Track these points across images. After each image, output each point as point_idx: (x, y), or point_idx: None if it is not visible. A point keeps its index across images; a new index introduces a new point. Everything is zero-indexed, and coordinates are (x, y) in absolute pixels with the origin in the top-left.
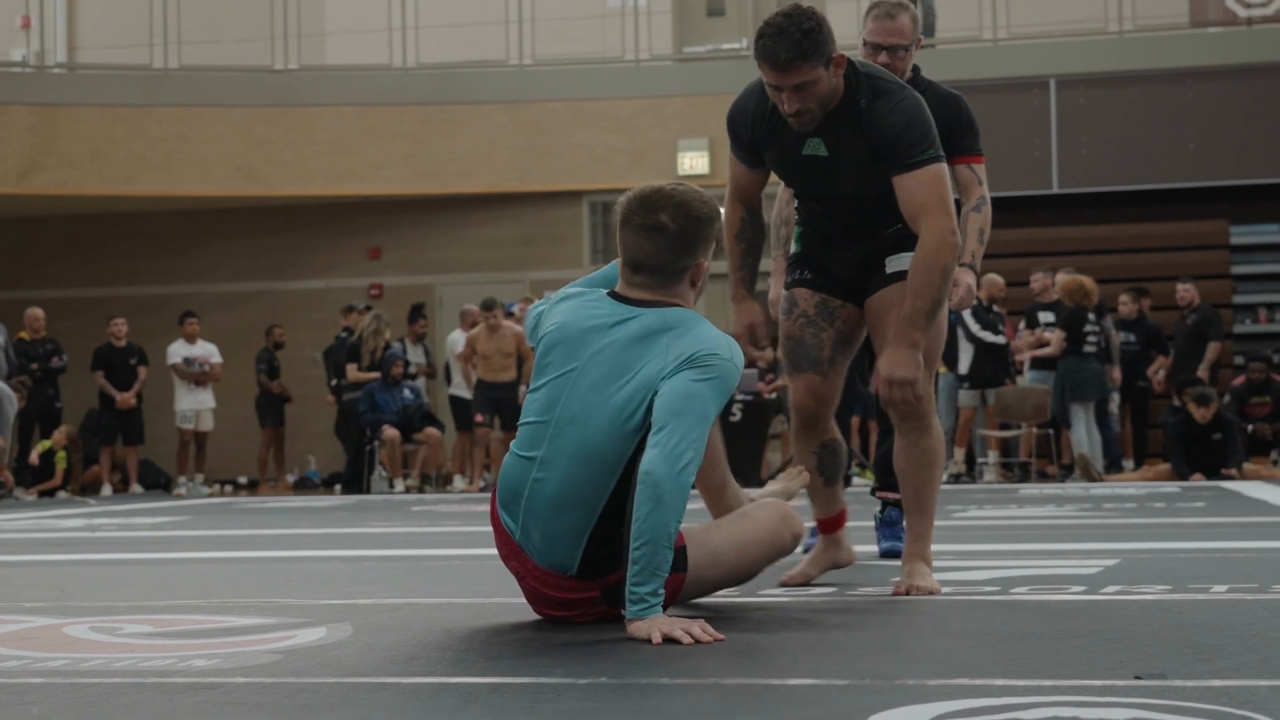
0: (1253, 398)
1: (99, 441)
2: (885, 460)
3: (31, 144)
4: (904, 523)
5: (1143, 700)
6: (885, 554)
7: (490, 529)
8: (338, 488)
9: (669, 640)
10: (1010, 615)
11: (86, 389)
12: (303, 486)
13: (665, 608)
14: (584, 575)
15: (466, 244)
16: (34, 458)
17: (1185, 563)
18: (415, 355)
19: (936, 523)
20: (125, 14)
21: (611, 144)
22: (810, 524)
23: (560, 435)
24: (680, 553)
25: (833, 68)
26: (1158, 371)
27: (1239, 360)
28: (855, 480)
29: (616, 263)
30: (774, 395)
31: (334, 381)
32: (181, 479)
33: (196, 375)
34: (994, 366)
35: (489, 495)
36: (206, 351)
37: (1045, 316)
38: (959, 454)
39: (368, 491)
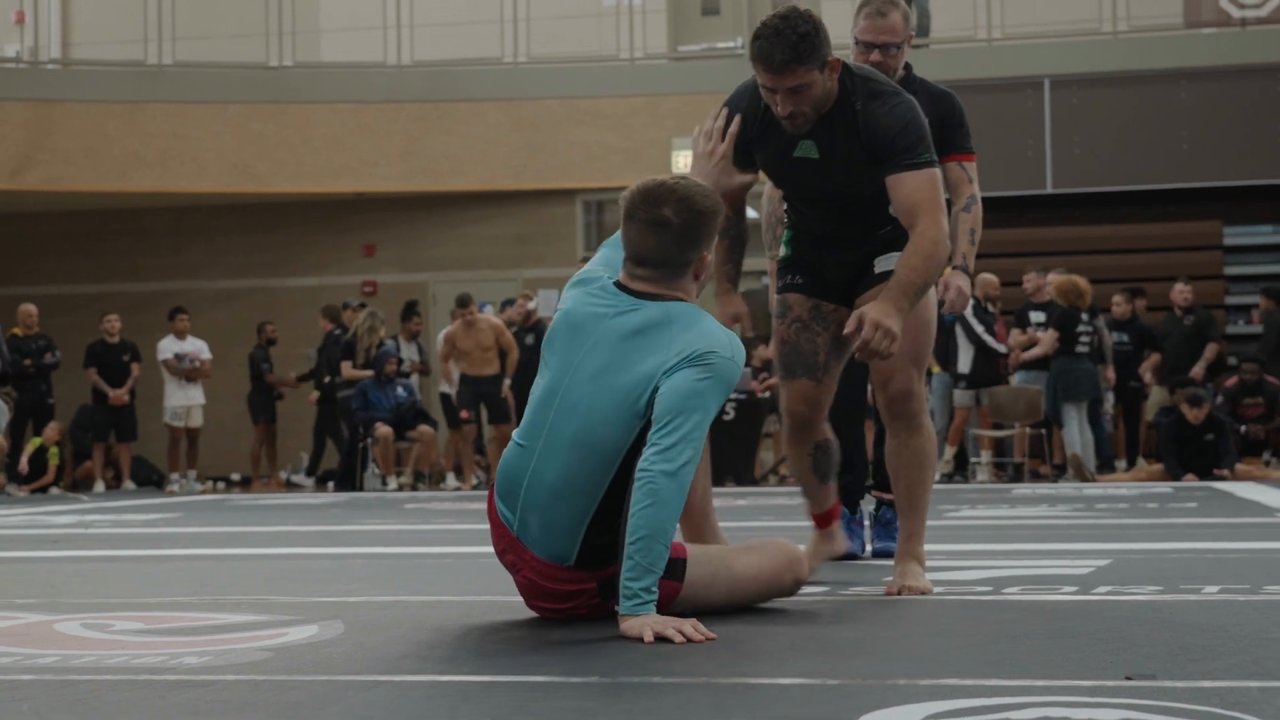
0: (1245, 399)
1: (92, 438)
2: (882, 460)
3: (25, 140)
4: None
5: (1133, 701)
6: (878, 554)
7: (485, 527)
8: (330, 484)
9: (661, 639)
10: (1002, 615)
11: (80, 385)
12: (291, 486)
13: (657, 611)
14: (581, 566)
15: (461, 241)
16: (23, 465)
17: (1177, 563)
18: (409, 353)
19: (929, 522)
20: (120, 10)
21: (606, 142)
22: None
23: (560, 424)
24: (680, 564)
25: (828, 71)
26: (1147, 372)
27: (1232, 361)
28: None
29: (609, 252)
30: (767, 394)
31: (327, 379)
32: (174, 476)
33: (187, 371)
34: (991, 367)
35: (485, 491)
36: (196, 347)
37: (1036, 316)
38: (949, 452)
39: (360, 489)
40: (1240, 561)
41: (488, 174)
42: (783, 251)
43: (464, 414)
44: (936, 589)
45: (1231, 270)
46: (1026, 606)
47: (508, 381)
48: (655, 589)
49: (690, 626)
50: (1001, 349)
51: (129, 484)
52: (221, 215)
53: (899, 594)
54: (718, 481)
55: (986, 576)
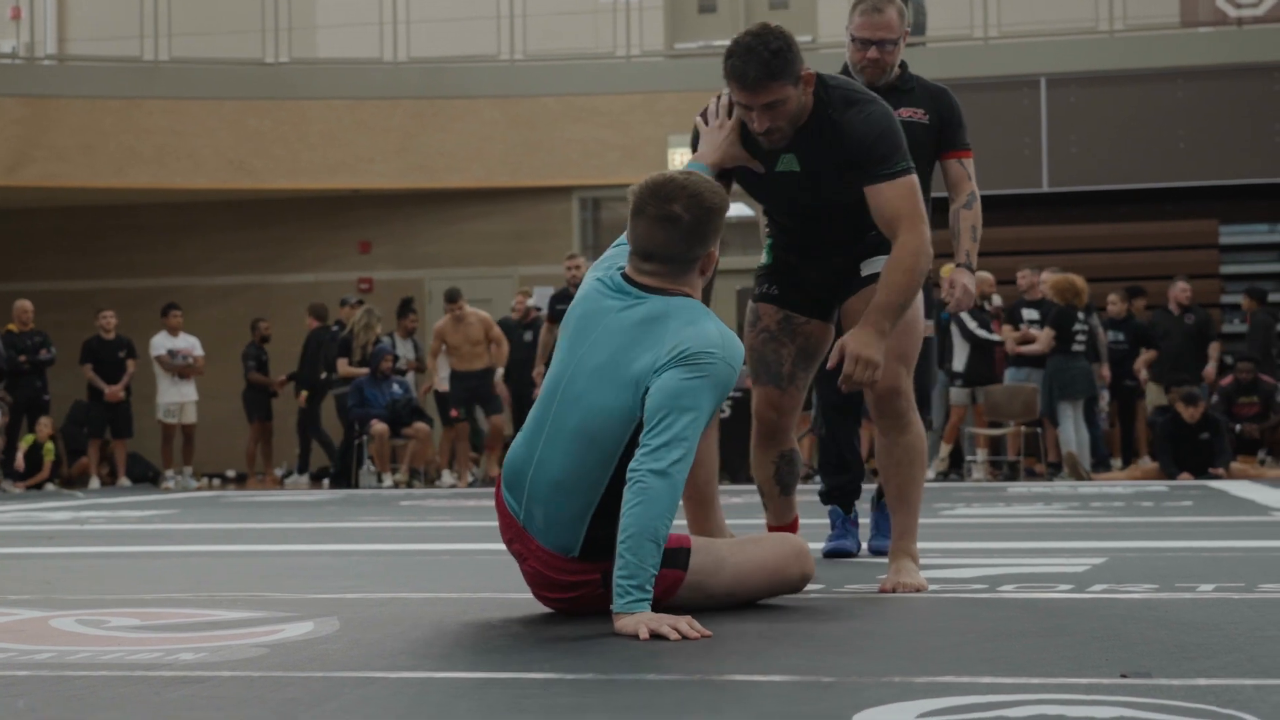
0: (1240, 398)
1: (87, 434)
2: None
3: (21, 136)
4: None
5: (1129, 699)
6: (875, 552)
7: (480, 525)
8: (325, 481)
9: (656, 636)
10: (997, 613)
11: (75, 381)
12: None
13: (660, 602)
14: (586, 557)
15: (457, 238)
16: (19, 461)
17: (1172, 562)
18: (404, 350)
19: (924, 520)
20: (115, 6)
21: (603, 139)
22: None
23: (563, 416)
24: (684, 553)
25: (802, 85)
26: (1141, 370)
27: (1227, 360)
28: None
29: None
30: None
31: (324, 375)
32: (169, 472)
33: (179, 368)
34: (987, 365)
35: (480, 489)
36: (189, 344)
37: (1029, 314)
38: (945, 450)
39: (356, 486)
40: (1235, 560)
41: (484, 171)
42: (763, 259)
43: (454, 413)
44: (932, 586)
45: (1228, 269)
46: (1022, 604)
47: (500, 371)
48: (649, 587)
49: (685, 624)
50: (995, 337)
51: (124, 480)
52: (218, 211)
53: (893, 591)
54: None
55: (982, 574)
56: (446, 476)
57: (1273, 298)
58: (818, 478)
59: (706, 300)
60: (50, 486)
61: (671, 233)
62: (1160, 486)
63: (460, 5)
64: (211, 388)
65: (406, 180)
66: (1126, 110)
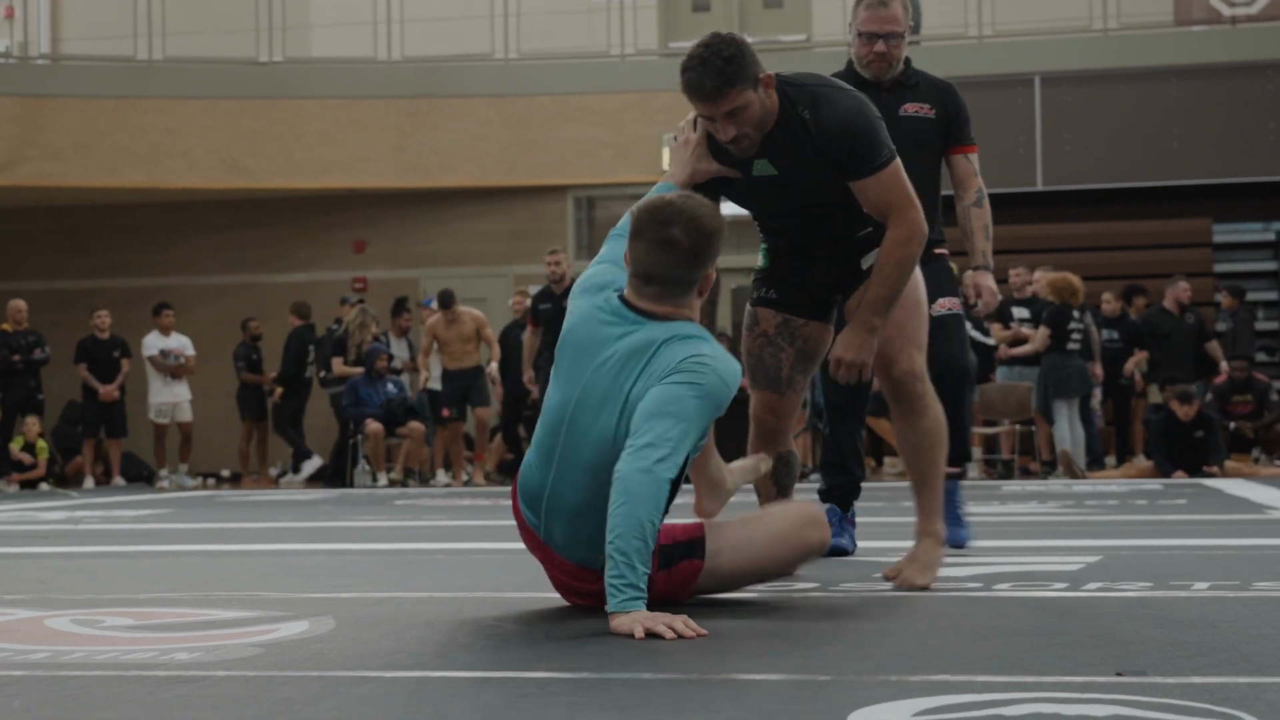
0: (1234, 396)
1: (81, 434)
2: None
3: (15, 135)
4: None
5: (1124, 697)
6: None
7: (476, 524)
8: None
9: (651, 635)
10: (992, 612)
11: (69, 381)
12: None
13: (686, 594)
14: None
15: (452, 238)
16: (16, 454)
17: (1167, 560)
18: (399, 349)
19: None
20: (109, 5)
21: (598, 138)
22: None
23: (574, 448)
24: (699, 543)
25: (762, 89)
26: (1133, 370)
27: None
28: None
29: (612, 248)
30: None
31: (322, 373)
32: (162, 472)
33: (171, 368)
34: (981, 363)
35: (476, 488)
36: (180, 344)
37: (1019, 312)
38: None
39: (351, 485)
40: (1230, 558)
41: (479, 170)
42: (760, 262)
43: (445, 412)
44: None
45: (1221, 267)
46: (1017, 603)
47: (494, 365)
48: (642, 585)
49: (681, 623)
50: (991, 341)
51: (119, 480)
52: (212, 211)
53: (893, 578)
54: None
55: (977, 573)
56: (441, 476)
57: (1267, 296)
58: (816, 476)
59: (710, 319)
60: (45, 486)
61: (671, 256)
62: (1155, 485)
63: (454, 4)
64: (206, 387)
65: (401, 179)
66: (1120, 109)
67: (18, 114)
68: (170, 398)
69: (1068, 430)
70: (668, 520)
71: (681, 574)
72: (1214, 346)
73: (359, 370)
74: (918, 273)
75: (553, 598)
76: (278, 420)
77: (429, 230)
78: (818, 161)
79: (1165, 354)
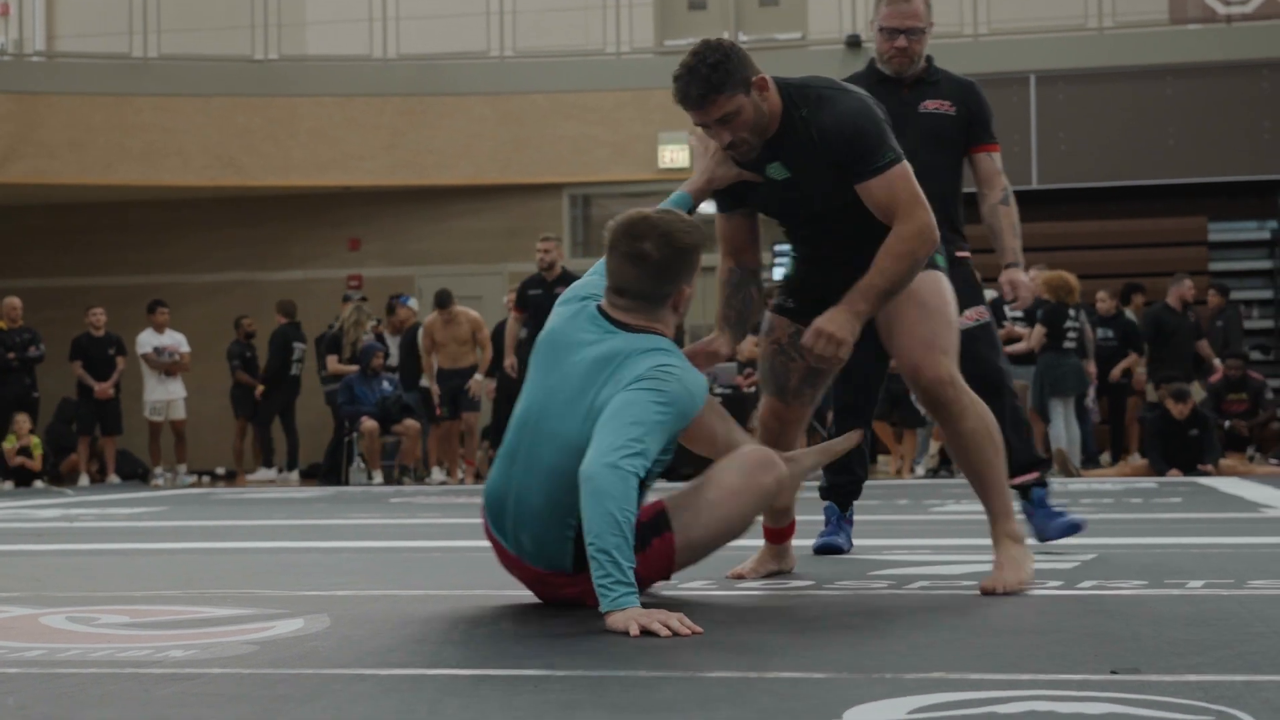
0: (1229, 394)
1: (76, 431)
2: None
3: (9, 132)
4: (1042, 500)
5: (1119, 695)
6: (1060, 535)
7: (471, 521)
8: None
9: (646, 633)
10: (987, 610)
11: (64, 379)
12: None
13: (667, 573)
14: (580, 569)
15: (447, 236)
16: (10, 454)
17: (1162, 558)
18: (394, 347)
19: (915, 517)
20: (104, 2)
21: (593, 136)
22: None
23: (538, 449)
24: (664, 516)
25: (755, 92)
26: (1125, 371)
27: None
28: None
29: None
30: (753, 389)
31: (322, 371)
32: (157, 470)
33: (166, 365)
34: None
35: (473, 486)
36: (175, 341)
37: (1012, 311)
38: (934, 447)
39: (346, 483)
40: (1224, 556)
41: (474, 168)
42: (787, 271)
43: (439, 410)
44: (920, 584)
45: (1216, 266)
46: (1012, 601)
47: (477, 377)
48: (629, 579)
49: (676, 620)
50: None
51: (114, 478)
52: (207, 208)
53: (992, 593)
54: None
55: (972, 571)
56: (436, 474)
57: (1262, 294)
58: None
59: (680, 335)
60: (40, 484)
61: (642, 270)
62: (1149, 483)
63: (450, 2)
64: (201, 385)
65: (396, 177)
66: (1116, 108)
67: (12, 111)
68: (165, 395)
69: (1063, 429)
70: None
71: (657, 552)
72: (1204, 345)
73: (354, 368)
74: (942, 277)
75: None
76: (259, 419)
77: (424, 228)
78: (822, 163)
79: (1170, 352)
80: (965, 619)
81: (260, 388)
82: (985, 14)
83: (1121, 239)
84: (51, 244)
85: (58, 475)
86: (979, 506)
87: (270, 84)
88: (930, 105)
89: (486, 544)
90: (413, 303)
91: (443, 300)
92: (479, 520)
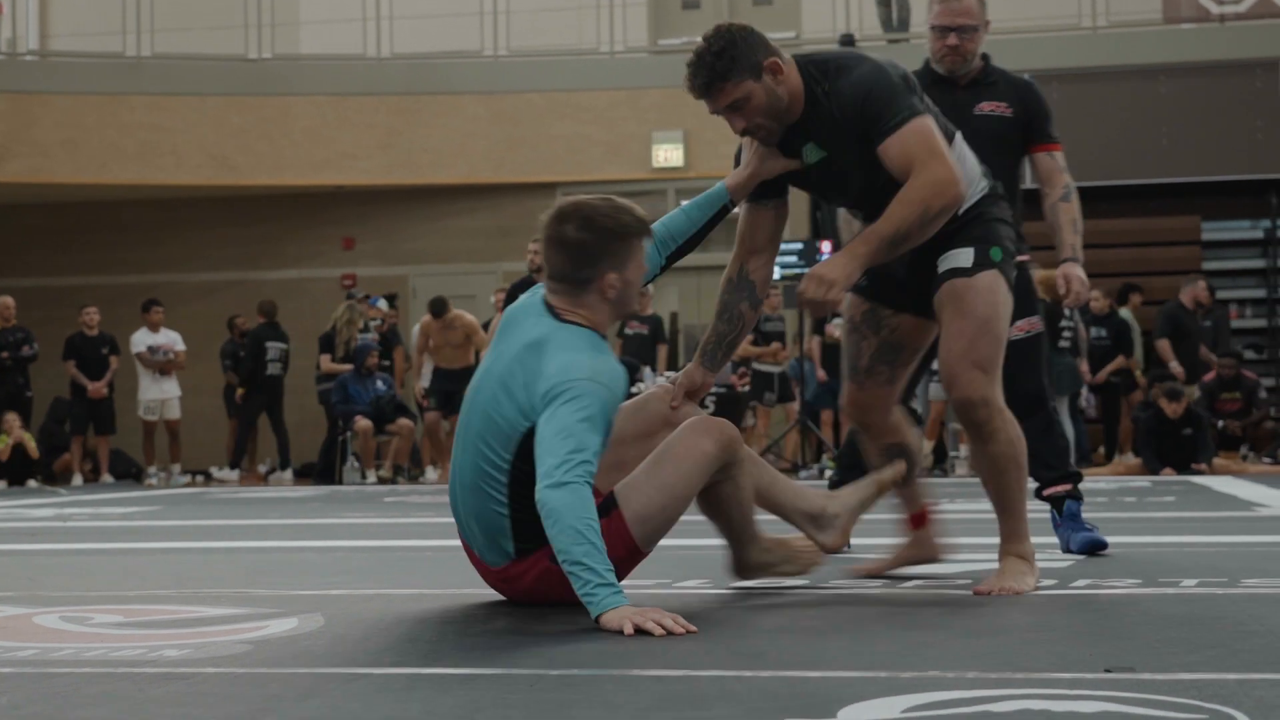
0: (1223, 393)
1: (69, 431)
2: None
3: (3, 132)
4: (1076, 512)
5: (1112, 693)
6: (1080, 550)
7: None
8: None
9: (641, 632)
10: (981, 609)
11: (58, 378)
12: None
13: (633, 550)
14: (525, 554)
15: (441, 235)
16: (5, 452)
17: (1155, 557)
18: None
19: (909, 515)
20: (98, 1)
21: (587, 135)
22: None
23: (470, 419)
24: (609, 498)
25: (767, 76)
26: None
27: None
28: (829, 474)
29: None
30: (746, 388)
31: (318, 372)
32: (150, 469)
33: (160, 364)
34: None
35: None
36: (170, 340)
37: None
38: (927, 446)
39: (340, 482)
40: (1218, 555)
41: (468, 167)
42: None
43: (425, 402)
44: (914, 582)
45: (1210, 265)
46: (1006, 600)
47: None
48: (612, 579)
49: (670, 619)
50: None
51: (107, 477)
52: (201, 208)
53: (988, 594)
54: None
55: (966, 570)
56: (430, 473)
57: (1256, 294)
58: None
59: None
60: (33, 483)
61: (560, 253)
62: (1143, 482)
63: (444, 1)
64: (195, 384)
65: (390, 176)
66: (1110, 107)
67: (6, 110)
68: (159, 394)
69: None
70: None
71: (609, 531)
72: (1163, 345)
73: (347, 367)
74: (1000, 289)
75: None
76: (242, 419)
77: (418, 227)
78: (850, 137)
79: (1187, 351)
80: (959, 618)
81: (240, 390)
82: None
83: (1115, 238)
84: (45, 243)
85: (51, 475)
86: (974, 505)
87: (264, 83)
88: (986, 107)
89: None
90: (381, 303)
91: (438, 309)
92: None
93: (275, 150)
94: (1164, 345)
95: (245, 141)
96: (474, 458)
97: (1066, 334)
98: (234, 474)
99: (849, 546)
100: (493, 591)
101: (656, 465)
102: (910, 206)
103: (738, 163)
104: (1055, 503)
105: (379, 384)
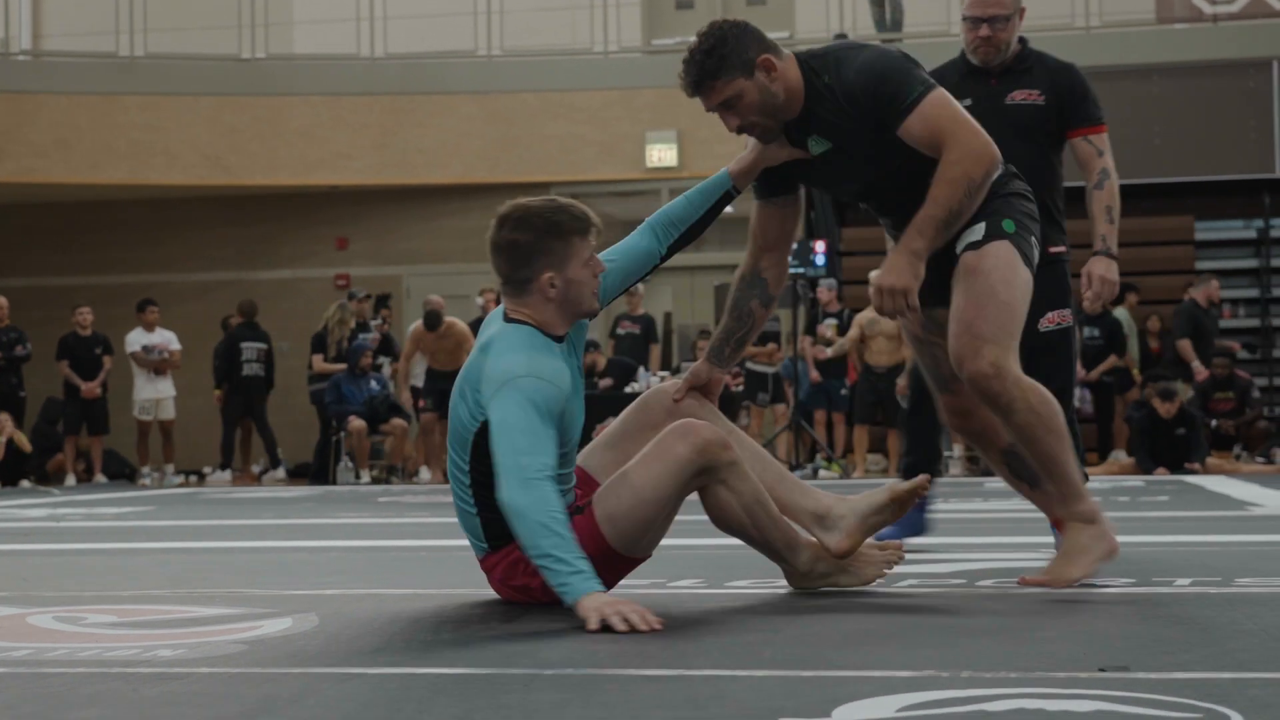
0: (1216, 393)
1: (62, 431)
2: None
3: None
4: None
5: (1107, 692)
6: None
7: (456, 521)
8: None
9: (606, 628)
10: (976, 608)
11: (51, 378)
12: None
13: (605, 550)
14: (496, 547)
15: (435, 235)
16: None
17: (1149, 556)
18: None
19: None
20: (91, 1)
21: (581, 135)
22: None
23: (449, 423)
24: (585, 502)
25: (760, 74)
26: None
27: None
28: (822, 474)
29: (630, 237)
30: (740, 388)
31: (315, 371)
32: (144, 469)
33: (155, 363)
34: None
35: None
36: (165, 339)
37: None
38: None
39: (334, 482)
40: (1212, 554)
41: (462, 167)
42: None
43: (420, 403)
44: (909, 581)
45: (1203, 265)
46: (1000, 599)
47: None
48: (581, 565)
49: (637, 615)
50: None
51: (100, 477)
52: (195, 208)
53: (1038, 586)
54: None
55: (960, 569)
56: (424, 473)
57: (1248, 293)
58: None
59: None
60: (25, 484)
61: (498, 255)
62: (1136, 481)
63: (438, 1)
64: (188, 384)
65: (384, 176)
66: (1102, 106)
67: None
68: (154, 394)
69: None
70: None
71: (579, 528)
72: (1185, 345)
73: (339, 367)
74: (1015, 264)
75: None
76: (225, 421)
77: (412, 227)
78: (858, 125)
79: (1205, 349)
80: (954, 617)
81: (216, 391)
82: None
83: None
84: (39, 243)
85: (44, 475)
86: (967, 505)
87: (258, 83)
88: (1018, 96)
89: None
90: (355, 299)
91: (433, 323)
92: None
93: (269, 150)
94: (1186, 345)
95: (239, 141)
96: (449, 459)
97: None
98: (225, 475)
99: (921, 533)
100: (488, 591)
101: (631, 467)
102: (954, 184)
103: None
104: None
105: (373, 384)
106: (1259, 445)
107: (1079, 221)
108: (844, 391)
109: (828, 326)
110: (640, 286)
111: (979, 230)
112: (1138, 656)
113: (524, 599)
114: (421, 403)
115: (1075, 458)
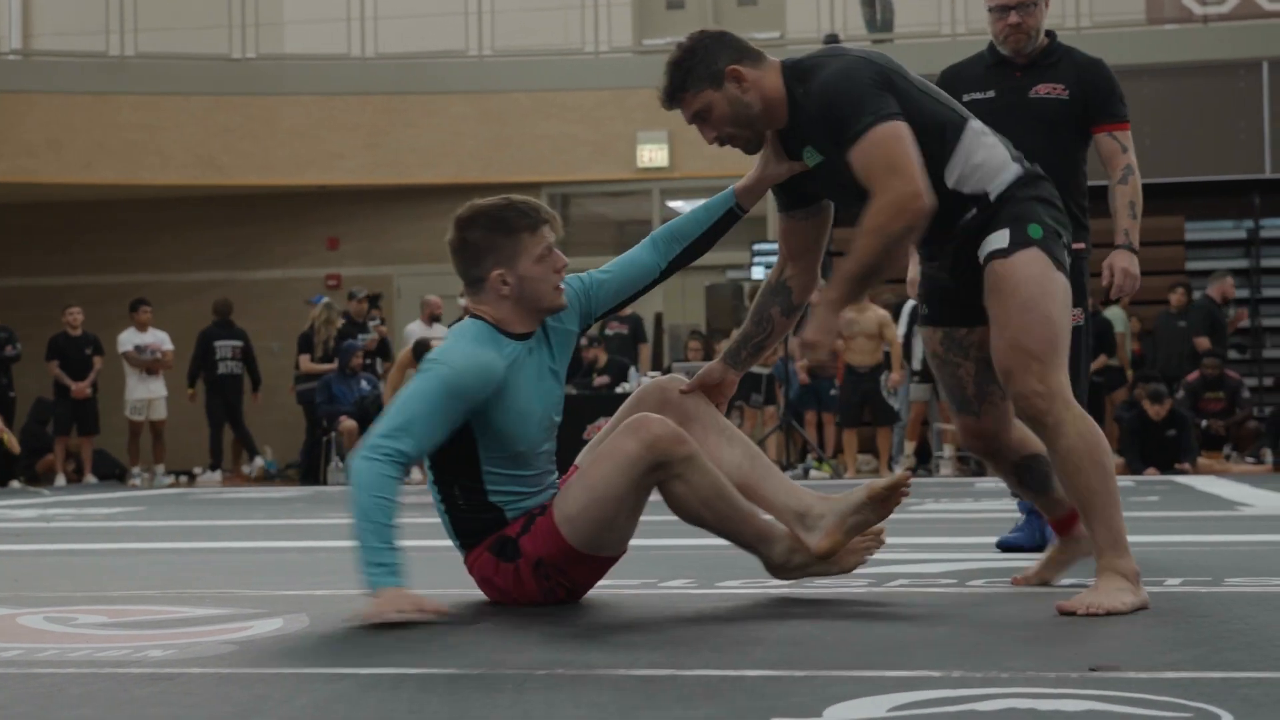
0: (1206, 393)
1: (53, 431)
2: None
3: None
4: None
5: (1097, 692)
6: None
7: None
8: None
9: (378, 621)
10: (967, 608)
11: (42, 378)
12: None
13: (566, 550)
14: (468, 548)
15: (427, 235)
16: None
17: (1139, 556)
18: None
19: (893, 515)
20: (82, 1)
21: (573, 135)
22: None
23: None
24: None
25: (730, 84)
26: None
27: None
28: (813, 474)
29: (633, 250)
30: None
31: (301, 370)
32: (135, 469)
33: (147, 363)
34: None
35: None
36: (157, 339)
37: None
38: (909, 447)
39: (324, 483)
40: (1202, 554)
41: (454, 167)
42: (911, 271)
43: None
44: (900, 582)
45: (1193, 265)
46: (992, 599)
47: None
48: (384, 560)
49: (413, 607)
50: None
51: (91, 478)
52: (187, 208)
53: (1073, 613)
54: None
55: (951, 569)
56: (415, 473)
57: (1239, 294)
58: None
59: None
60: (15, 484)
61: (452, 255)
62: (1127, 482)
63: (429, 1)
64: (180, 385)
65: (376, 176)
66: None
67: None
68: (146, 394)
69: None
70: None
71: (541, 529)
72: (1203, 342)
73: (325, 367)
74: (1054, 277)
75: None
76: (210, 420)
77: (403, 227)
78: (830, 140)
79: (1218, 344)
80: (945, 617)
81: (190, 390)
82: (963, 14)
83: (1098, 238)
84: (31, 243)
85: (34, 475)
86: (958, 505)
87: (250, 83)
88: (1042, 90)
89: None
90: (325, 300)
91: (421, 354)
92: None
93: (261, 150)
94: (1205, 344)
95: (231, 141)
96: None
97: None
98: (216, 476)
99: (1032, 543)
100: (477, 592)
101: (587, 465)
102: (869, 236)
103: None
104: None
105: (363, 384)
106: (1249, 445)
107: (1097, 220)
108: (833, 392)
109: None
110: None
111: (1003, 237)
112: (1129, 656)
113: (500, 598)
114: None
115: (1119, 502)
